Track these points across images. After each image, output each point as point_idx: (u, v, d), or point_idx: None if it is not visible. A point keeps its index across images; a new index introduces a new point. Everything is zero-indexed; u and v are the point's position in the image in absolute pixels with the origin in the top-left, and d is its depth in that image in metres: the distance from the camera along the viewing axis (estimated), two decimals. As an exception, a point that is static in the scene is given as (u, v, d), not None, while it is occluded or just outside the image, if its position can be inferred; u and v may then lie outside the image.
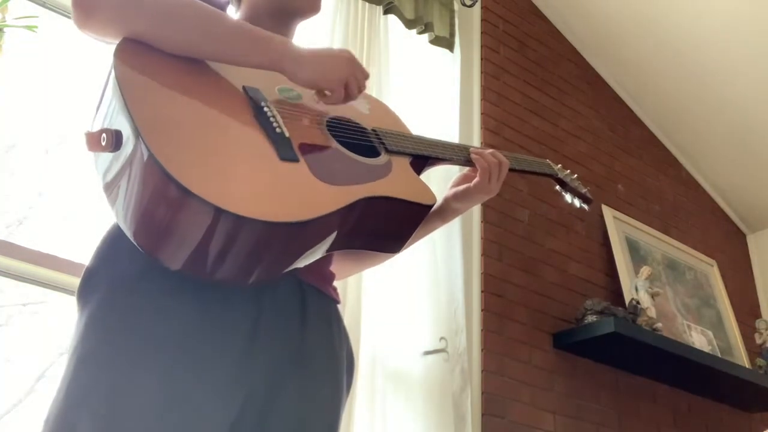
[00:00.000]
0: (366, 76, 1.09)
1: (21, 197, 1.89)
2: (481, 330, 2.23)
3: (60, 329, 1.76)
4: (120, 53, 0.93)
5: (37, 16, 1.72)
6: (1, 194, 1.84)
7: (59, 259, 1.71)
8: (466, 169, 1.31)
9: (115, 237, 0.96)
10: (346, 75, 1.05)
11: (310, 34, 2.16)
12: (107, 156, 0.90)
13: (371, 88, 2.21)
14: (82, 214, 1.88)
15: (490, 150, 1.29)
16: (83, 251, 1.02)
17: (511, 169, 1.31)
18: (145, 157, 0.82)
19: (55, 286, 1.72)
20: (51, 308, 1.81)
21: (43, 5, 1.95)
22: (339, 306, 1.14)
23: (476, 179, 1.26)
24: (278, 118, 1.00)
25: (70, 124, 1.94)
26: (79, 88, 1.90)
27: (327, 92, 1.07)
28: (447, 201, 1.29)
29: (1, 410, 1.66)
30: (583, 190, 1.53)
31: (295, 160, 0.95)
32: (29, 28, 1.69)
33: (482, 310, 2.26)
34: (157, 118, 0.88)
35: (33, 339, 1.80)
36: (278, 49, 1.02)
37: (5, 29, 1.69)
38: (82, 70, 1.93)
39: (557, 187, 1.52)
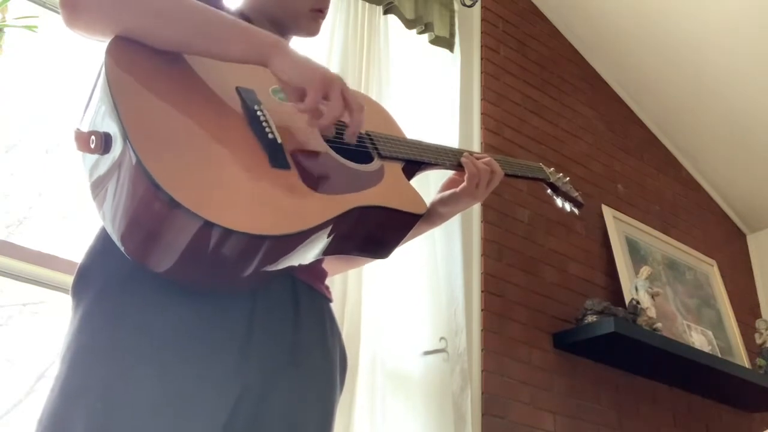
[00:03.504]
0: (360, 108, 0.99)
1: (21, 197, 1.89)
2: (481, 330, 2.23)
3: (60, 329, 1.76)
4: (111, 52, 0.91)
5: (37, 16, 1.72)
6: (1, 194, 1.84)
7: (59, 259, 1.71)
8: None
9: (107, 234, 0.95)
10: (330, 84, 0.96)
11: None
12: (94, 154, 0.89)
13: (371, 88, 2.21)
14: (82, 214, 1.87)
15: (486, 158, 1.27)
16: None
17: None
18: (134, 164, 0.81)
19: (55, 286, 1.72)
20: (51, 308, 1.81)
21: (43, 5, 1.95)
22: (332, 305, 1.14)
23: (463, 184, 1.24)
24: (271, 123, 0.98)
25: (70, 124, 1.93)
26: (79, 87, 1.90)
27: (302, 102, 0.96)
28: (434, 205, 1.28)
29: (1, 410, 1.66)
30: (575, 194, 1.51)
31: (287, 167, 0.94)
32: (29, 28, 1.69)
33: (482, 310, 2.26)
34: (147, 123, 0.86)
35: (33, 339, 1.79)
36: (269, 43, 0.99)
37: (5, 29, 1.69)
38: (83, 69, 1.92)
39: (549, 191, 1.51)
